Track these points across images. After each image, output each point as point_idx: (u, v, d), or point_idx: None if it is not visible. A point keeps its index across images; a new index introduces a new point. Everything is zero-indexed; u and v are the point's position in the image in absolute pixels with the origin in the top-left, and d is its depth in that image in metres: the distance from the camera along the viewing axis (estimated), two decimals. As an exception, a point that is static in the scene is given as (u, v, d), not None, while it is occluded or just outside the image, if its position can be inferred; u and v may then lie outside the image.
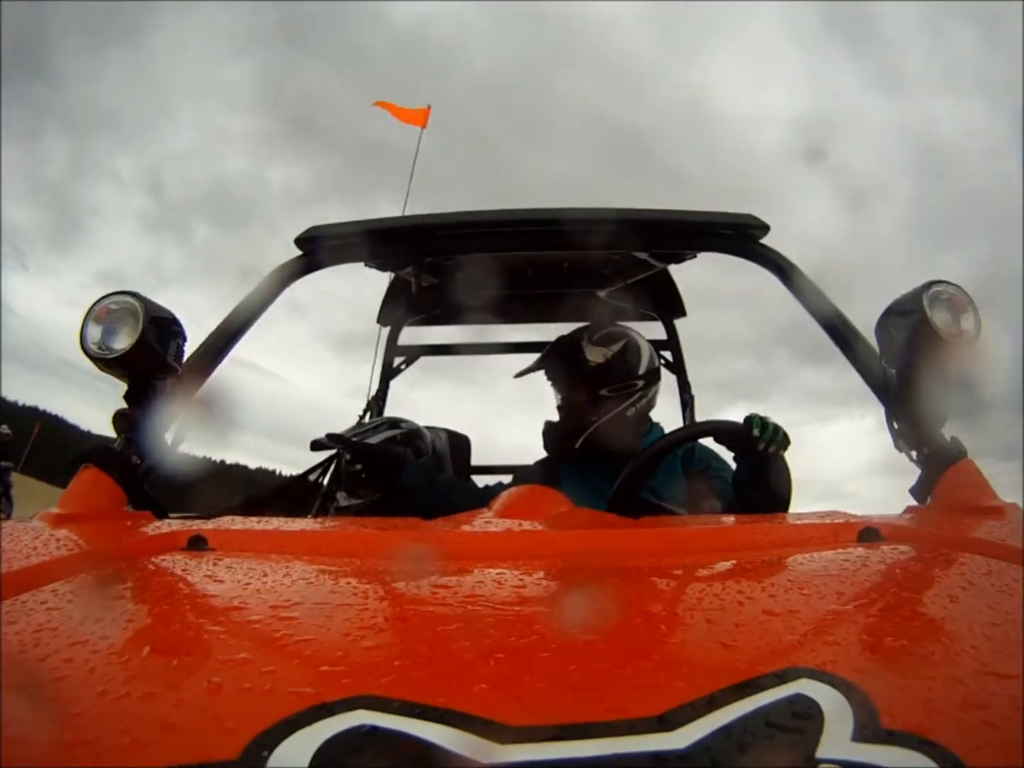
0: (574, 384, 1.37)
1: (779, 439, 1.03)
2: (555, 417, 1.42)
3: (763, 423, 1.03)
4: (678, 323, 1.89)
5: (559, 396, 1.41)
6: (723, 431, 1.07)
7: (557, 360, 1.41)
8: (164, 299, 0.85)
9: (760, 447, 1.02)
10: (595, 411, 1.34)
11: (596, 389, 1.35)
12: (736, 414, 1.05)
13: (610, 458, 1.19)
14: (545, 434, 1.41)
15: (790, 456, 1.05)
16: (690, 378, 1.90)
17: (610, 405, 1.35)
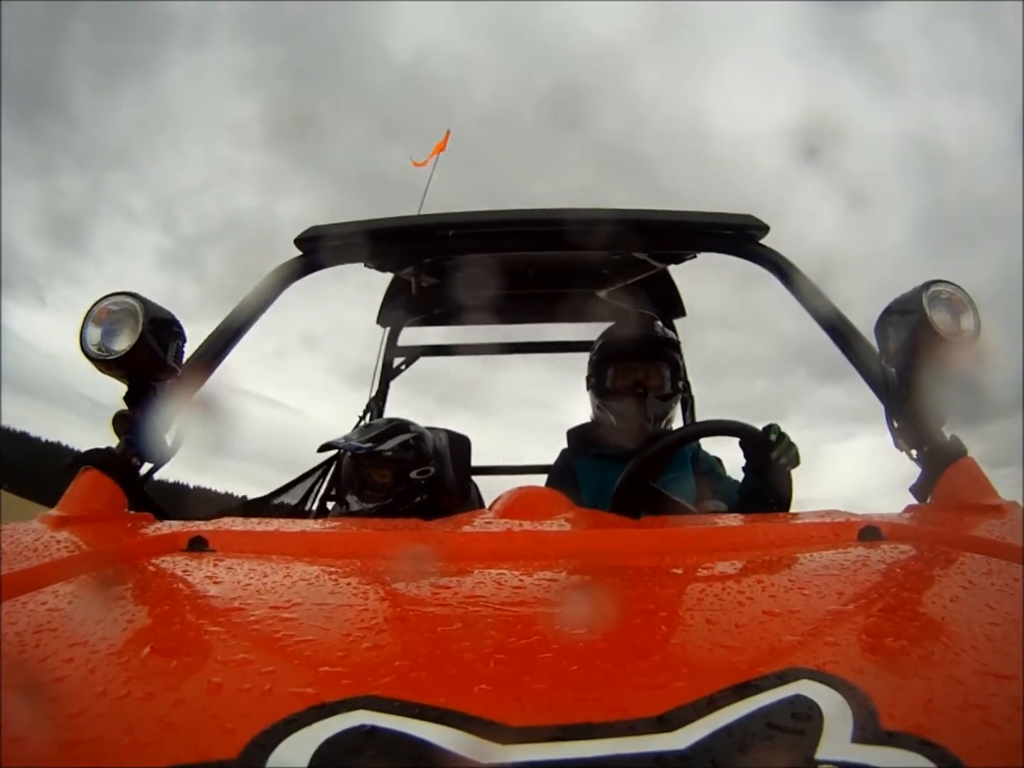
0: (662, 370, 1.31)
1: (791, 454, 1.02)
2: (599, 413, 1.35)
3: (780, 433, 1.02)
4: (677, 323, 1.88)
5: (637, 384, 1.30)
6: (741, 432, 1.05)
7: (653, 341, 1.33)
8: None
9: (774, 455, 1.01)
10: (674, 399, 1.31)
11: (676, 379, 1.32)
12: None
13: (627, 457, 1.18)
14: (618, 426, 1.30)
15: (797, 474, 1.04)
16: (696, 391, 1.84)
17: (676, 396, 1.33)
